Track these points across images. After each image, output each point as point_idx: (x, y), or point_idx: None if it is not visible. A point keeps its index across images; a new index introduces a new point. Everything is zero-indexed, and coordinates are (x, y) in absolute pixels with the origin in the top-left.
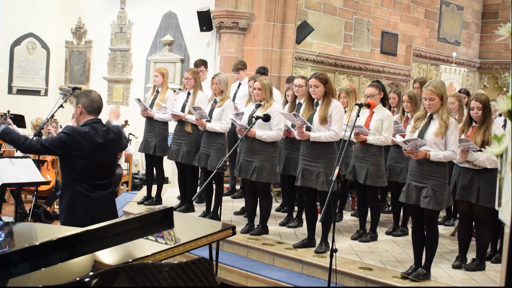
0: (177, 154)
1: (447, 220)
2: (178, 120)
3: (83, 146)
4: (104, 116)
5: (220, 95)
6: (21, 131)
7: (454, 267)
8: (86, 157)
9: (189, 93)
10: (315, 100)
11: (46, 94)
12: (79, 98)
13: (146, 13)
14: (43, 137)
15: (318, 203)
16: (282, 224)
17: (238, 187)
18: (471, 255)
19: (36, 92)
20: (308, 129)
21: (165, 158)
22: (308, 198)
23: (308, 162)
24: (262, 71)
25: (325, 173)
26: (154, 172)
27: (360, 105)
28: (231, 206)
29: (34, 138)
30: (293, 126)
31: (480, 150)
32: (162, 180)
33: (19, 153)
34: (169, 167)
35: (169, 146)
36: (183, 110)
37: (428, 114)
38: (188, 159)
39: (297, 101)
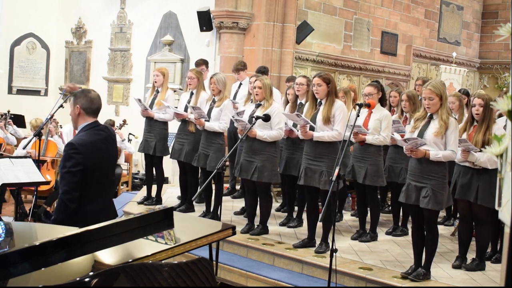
0: (179, 153)
1: (447, 220)
2: (181, 119)
3: (90, 157)
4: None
5: (218, 95)
6: (21, 131)
7: (454, 267)
8: (92, 167)
9: (192, 93)
10: (318, 100)
11: (46, 94)
12: (77, 98)
13: (146, 13)
14: (43, 137)
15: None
16: (282, 224)
17: (238, 187)
18: (471, 255)
19: (36, 92)
20: (312, 128)
21: (165, 158)
22: (310, 197)
23: (311, 161)
24: (263, 70)
25: (327, 173)
26: (154, 172)
27: (360, 105)
28: (231, 206)
29: (34, 138)
30: (294, 125)
31: (480, 151)
32: (162, 180)
33: (19, 153)
34: (169, 167)
35: (172, 145)
36: (186, 110)
37: (428, 114)
38: (190, 158)
39: (298, 101)
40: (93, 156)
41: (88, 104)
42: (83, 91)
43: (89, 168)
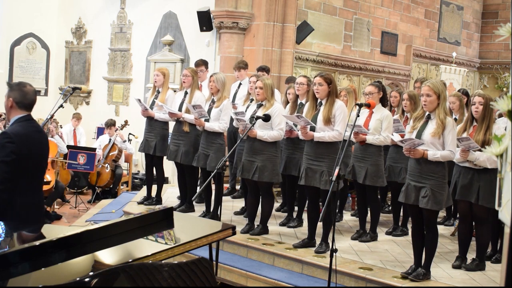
0: (175, 155)
1: (447, 220)
2: (176, 119)
3: (23, 147)
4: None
5: (217, 94)
6: None
7: (454, 267)
8: (25, 158)
9: (186, 93)
10: (319, 101)
11: (46, 94)
12: (11, 91)
13: (146, 13)
14: None
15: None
16: (282, 224)
17: (238, 187)
18: (471, 255)
19: (36, 92)
20: (312, 129)
21: (165, 158)
22: (310, 197)
23: (311, 161)
24: (264, 68)
25: (328, 172)
26: (154, 172)
27: (360, 105)
28: (231, 206)
29: None
30: (296, 125)
31: (480, 150)
32: (162, 180)
33: None
34: (169, 167)
35: (168, 146)
36: (180, 109)
37: (426, 114)
38: (186, 159)
39: (299, 101)
40: (27, 147)
41: (21, 98)
42: (19, 84)
43: (22, 158)
